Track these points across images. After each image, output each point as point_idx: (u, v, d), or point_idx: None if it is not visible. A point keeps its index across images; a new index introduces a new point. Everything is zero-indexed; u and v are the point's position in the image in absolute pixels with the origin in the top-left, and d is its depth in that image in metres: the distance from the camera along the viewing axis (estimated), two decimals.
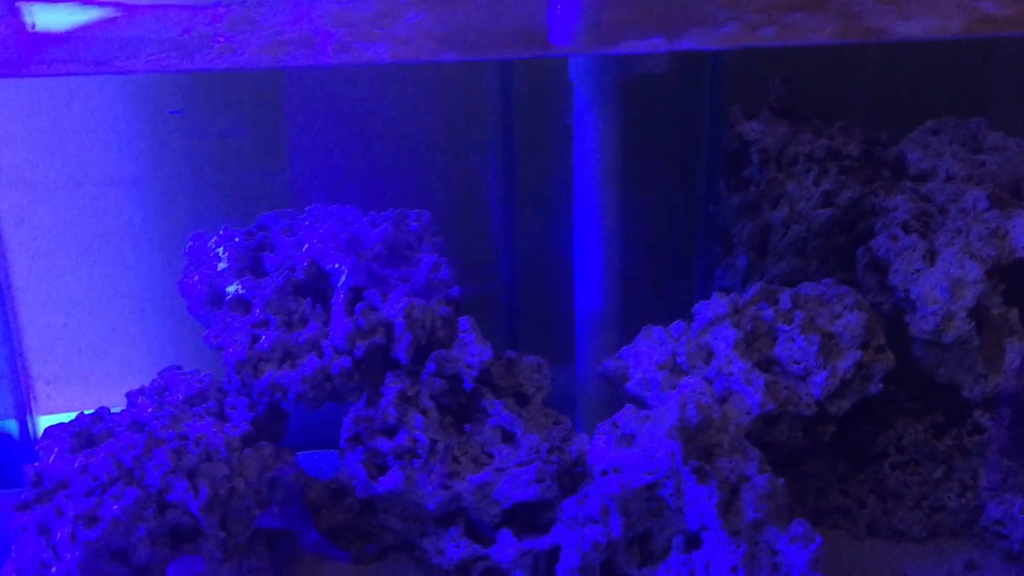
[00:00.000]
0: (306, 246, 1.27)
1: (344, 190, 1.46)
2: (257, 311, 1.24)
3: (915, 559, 1.26)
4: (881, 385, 1.20)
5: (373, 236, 1.36)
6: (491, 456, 1.24)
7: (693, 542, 1.13)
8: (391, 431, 1.21)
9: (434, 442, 1.20)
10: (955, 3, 1.18)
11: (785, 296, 1.27)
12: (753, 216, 1.37)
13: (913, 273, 1.23)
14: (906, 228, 1.26)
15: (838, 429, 1.27)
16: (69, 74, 1.09)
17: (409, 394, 1.22)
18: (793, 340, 1.21)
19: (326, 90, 1.46)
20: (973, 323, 1.20)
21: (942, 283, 1.20)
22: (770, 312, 1.23)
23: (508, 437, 1.24)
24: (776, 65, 1.40)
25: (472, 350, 1.24)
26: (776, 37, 1.15)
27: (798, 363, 1.20)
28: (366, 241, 1.35)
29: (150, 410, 1.19)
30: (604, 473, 1.15)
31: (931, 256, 1.23)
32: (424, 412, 1.21)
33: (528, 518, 1.23)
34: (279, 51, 1.19)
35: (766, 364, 1.23)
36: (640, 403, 1.26)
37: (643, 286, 1.48)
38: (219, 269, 1.31)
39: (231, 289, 1.27)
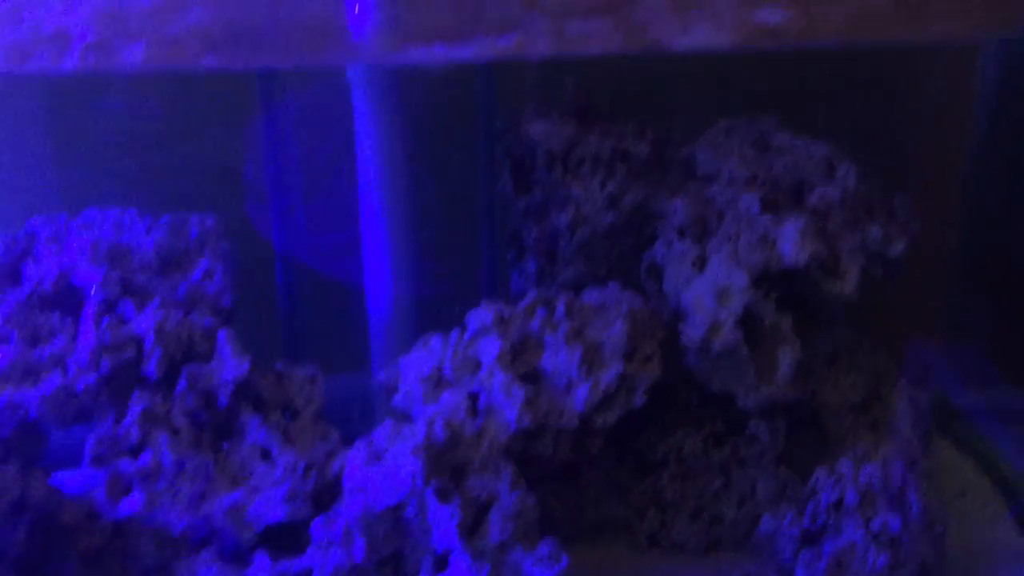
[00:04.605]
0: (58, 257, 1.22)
1: (131, 193, 1.41)
2: None
3: (692, 572, 1.23)
4: (645, 397, 1.16)
5: (145, 243, 1.30)
6: (249, 475, 1.20)
7: (441, 564, 1.10)
8: (136, 451, 1.16)
9: (181, 462, 1.15)
10: (733, 11, 1.13)
11: (560, 304, 1.23)
12: (540, 220, 1.33)
13: (683, 280, 1.19)
14: (681, 233, 1.23)
15: (621, 437, 1.25)
16: None
17: (158, 412, 1.17)
18: (558, 351, 1.17)
19: (113, 90, 1.40)
20: (741, 332, 1.16)
21: (710, 291, 1.17)
22: (536, 322, 1.19)
23: (266, 454, 1.20)
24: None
25: (228, 364, 1.19)
26: (556, 47, 1.09)
27: (562, 375, 1.16)
28: (136, 248, 1.30)
29: None
30: (351, 493, 1.12)
31: (701, 263, 1.19)
32: (174, 431, 1.16)
33: (290, 539, 1.19)
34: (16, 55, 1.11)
35: (534, 376, 1.19)
36: (407, 417, 1.22)
37: (444, 291, 1.44)
38: None
39: None
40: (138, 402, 1.16)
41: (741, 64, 1.33)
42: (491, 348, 1.18)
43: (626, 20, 1.00)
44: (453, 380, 1.19)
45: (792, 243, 1.16)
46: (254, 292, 1.35)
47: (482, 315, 1.20)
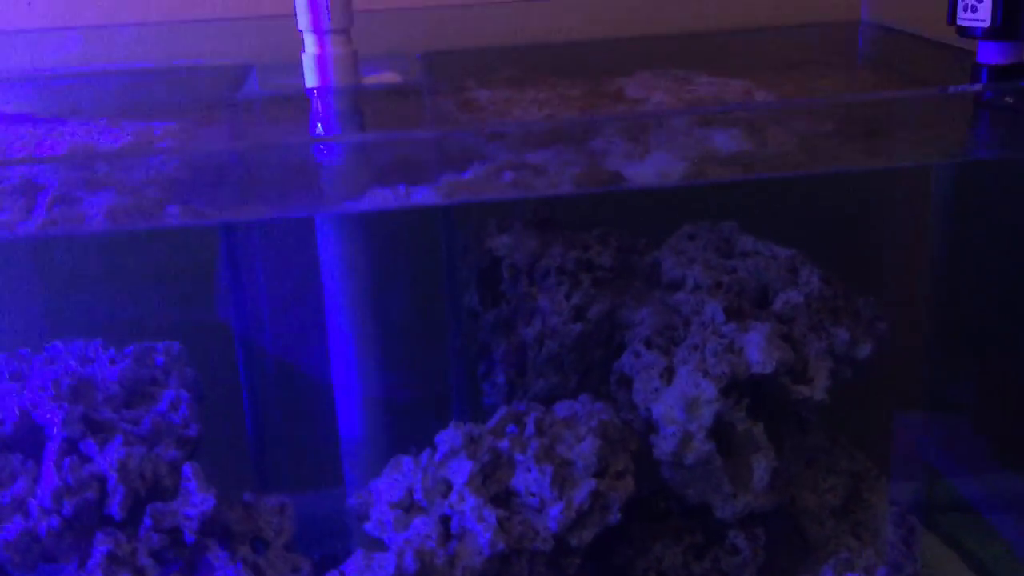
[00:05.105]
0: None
1: (95, 322, 1.40)
2: None
3: None
4: (620, 515, 1.14)
5: (109, 375, 1.29)
6: None
7: None
8: None
9: None
10: (688, 138, 1.13)
11: (530, 420, 1.21)
12: (507, 333, 1.32)
13: (652, 392, 1.18)
14: (648, 344, 1.22)
15: (599, 553, 1.22)
16: None
17: (122, 553, 1.14)
18: (529, 470, 1.15)
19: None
20: (713, 443, 1.15)
21: (679, 403, 1.15)
22: (505, 441, 1.17)
23: None
24: None
25: (193, 500, 1.16)
26: (515, 185, 1.09)
27: (534, 495, 1.14)
28: (100, 382, 1.28)
29: None
30: None
31: (669, 374, 1.18)
32: (138, 572, 1.14)
33: None
34: None
35: (506, 496, 1.17)
36: (380, 544, 1.20)
37: (415, 407, 1.42)
38: None
39: None
40: (101, 544, 1.13)
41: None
42: (461, 470, 1.16)
43: (585, 149, 1.01)
44: (424, 505, 1.17)
45: (758, 351, 1.15)
46: (221, 414, 1.34)
47: (451, 436, 1.19)
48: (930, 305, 1.40)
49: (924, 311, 1.39)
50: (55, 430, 1.18)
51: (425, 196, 1.05)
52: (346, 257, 1.29)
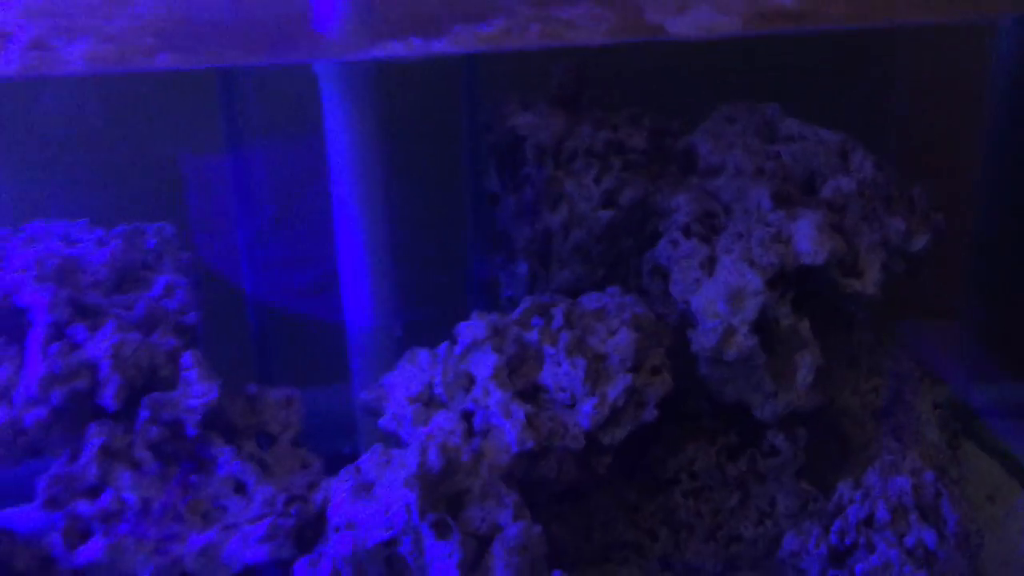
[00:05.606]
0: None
1: (77, 202, 1.29)
2: None
3: None
4: (656, 411, 1.07)
5: (97, 257, 1.19)
6: (223, 511, 1.09)
7: None
8: (94, 491, 1.04)
9: (146, 501, 1.04)
10: None
11: (558, 312, 1.13)
12: (531, 219, 1.23)
13: (692, 283, 1.10)
14: (687, 232, 1.13)
15: (628, 453, 1.15)
16: None
17: (118, 446, 1.05)
18: (559, 364, 1.07)
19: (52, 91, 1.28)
20: (756, 338, 1.07)
21: (721, 294, 1.07)
22: (534, 333, 1.09)
23: (241, 488, 1.09)
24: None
25: (195, 390, 1.07)
26: (544, 35, 0.98)
27: (564, 390, 1.07)
28: (88, 264, 1.18)
29: None
30: (337, 529, 1.01)
31: (711, 264, 1.10)
32: (136, 466, 1.05)
33: None
34: None
35: (533, 391, 1.09)
36: (396, 440, 1.12)
37: (427, 297, 1.33)
38: None
39: None
40: (95, 436, 1.04)
41: (739, 44, 1.25)
42: (485, 363, 1.07)
43: (619, 2, 0.91)
44: (445, 399, 1.09)
45: (809, 240, 1.06)
46: (219, 303, 1.25)
47: (474, 327, 1.10)
48: (984, 185, 1.31)
49: (977, 194, 1.30)
50: (40, 314, 1.08)
51: (441, 46, 0.94)
52: (356, 131, 1.18)
